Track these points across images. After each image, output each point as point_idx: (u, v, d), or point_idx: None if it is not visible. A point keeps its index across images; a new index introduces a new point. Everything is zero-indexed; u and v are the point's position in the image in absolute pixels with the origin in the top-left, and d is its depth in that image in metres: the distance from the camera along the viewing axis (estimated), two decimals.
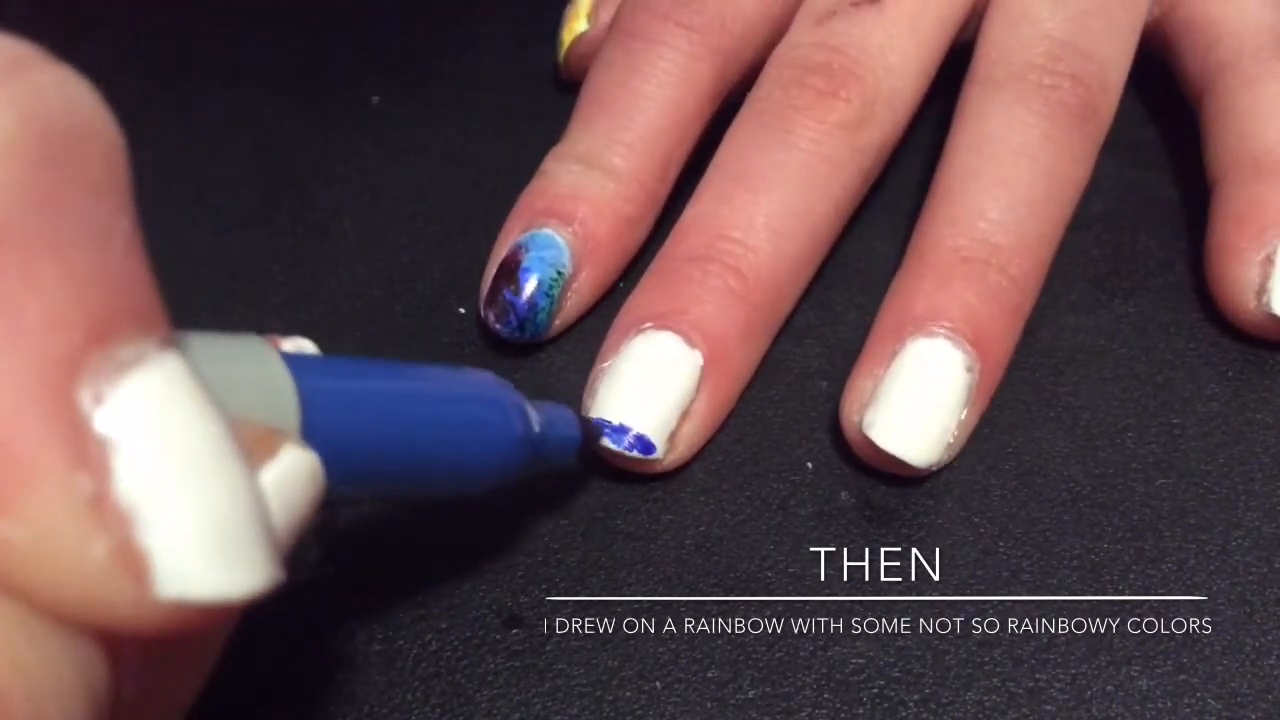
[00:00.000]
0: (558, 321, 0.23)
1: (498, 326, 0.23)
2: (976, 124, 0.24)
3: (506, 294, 0.23)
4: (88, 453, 0.10)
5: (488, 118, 0.29)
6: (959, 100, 0.25)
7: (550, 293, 0.23)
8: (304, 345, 0.15)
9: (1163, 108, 0.29)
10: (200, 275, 0.25)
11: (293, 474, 0.12)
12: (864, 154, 0.23)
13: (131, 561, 0.10)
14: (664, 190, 0.25)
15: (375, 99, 0.30)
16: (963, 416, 0.21)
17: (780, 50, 0.25)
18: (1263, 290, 0.23)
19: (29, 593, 0.10)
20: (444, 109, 0.30)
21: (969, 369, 0.21)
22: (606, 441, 0.21)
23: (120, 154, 0.11)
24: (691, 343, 0.21)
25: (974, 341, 0.21)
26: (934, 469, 0.21)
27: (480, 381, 0.18)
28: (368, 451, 0.15)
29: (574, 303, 0.24)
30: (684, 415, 0.21)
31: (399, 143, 0.29)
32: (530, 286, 0.23)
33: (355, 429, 0.14)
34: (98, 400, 0.10)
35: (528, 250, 0.23)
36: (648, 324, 0.22)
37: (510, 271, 0.23)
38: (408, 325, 0.24)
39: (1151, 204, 0.27)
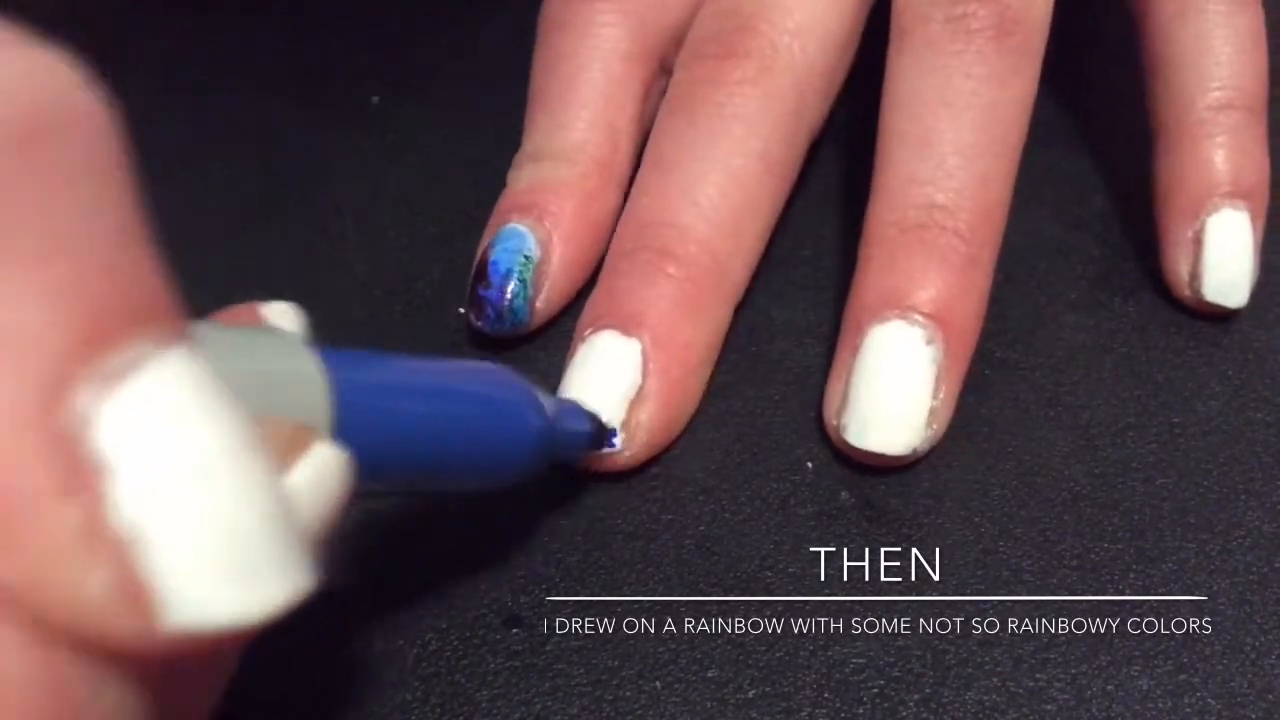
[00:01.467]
0: (539, 304, 0.23)
1: (479, 324, 0.23)
2: (892, 83, 0.23)
3: (480, 290, 0.23)
4: (79, 479, 0.09)
5: (488, 118, 0.29)
6: None
7: (521, 277, 0.23)
8: (286, 312, 0.15)
9: None
10: (200, 275, 0.25)
11: (323, 472, 0.11)
12: (780, 98, 0.23)
13: (133, 592, 0.09)
14: (620, 157, 0.24)
15: (375, 99, 0.30)
16: (938, 390, 0.21)
17: (685, 41, 0.24)
18: (1194, 275, 0.23)
19: (46, 623, 0.09)
20: (444, 109, 0.30)
21: (929, 342, 0.21)
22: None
23: (111, 137, 0.10)
24: (628, 333, 0.21)
25: (931, 314, 0.21)
26: (920, 452, 0.21)
27: (496, 374, 0.18)
28: (395, 447, 0.14)
29: (553, 285, 0.23)
30: (636, 401, 0.21)
31: (399, 143, 0.29)
32: (499, 276, 0.23)
33: (384, 423, 0.14)
34: (89, 417, 0.09)
35: (494, 246, 0.23)
36: (588, 329, 0.22)
37: (482, 270, 0.23)
38: (408, 325, 0.24)
39: (1152, 203, 0.27)
